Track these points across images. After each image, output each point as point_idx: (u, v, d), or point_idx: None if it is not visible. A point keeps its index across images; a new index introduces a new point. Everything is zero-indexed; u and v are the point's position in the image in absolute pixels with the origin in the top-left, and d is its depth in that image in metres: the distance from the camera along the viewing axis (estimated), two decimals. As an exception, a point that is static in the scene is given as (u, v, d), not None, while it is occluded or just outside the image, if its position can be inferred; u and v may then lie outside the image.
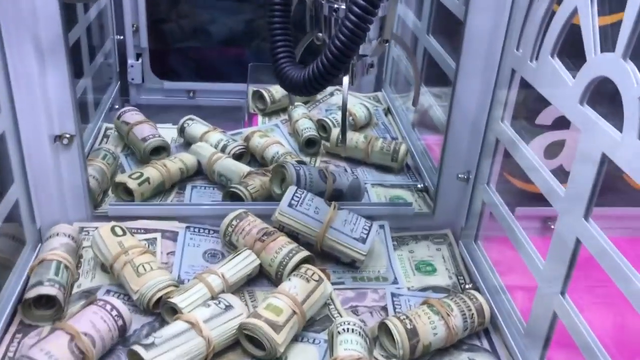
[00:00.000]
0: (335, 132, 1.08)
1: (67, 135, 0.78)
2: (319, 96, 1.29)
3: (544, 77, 0.61)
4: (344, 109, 0.70)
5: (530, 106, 0.82)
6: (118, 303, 0.67)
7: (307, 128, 1.09)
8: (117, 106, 1.23)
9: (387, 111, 1.27)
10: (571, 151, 0.86)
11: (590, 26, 0.52)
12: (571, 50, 0.58)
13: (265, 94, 1.21)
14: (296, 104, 1.19)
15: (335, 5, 0.65)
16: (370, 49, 0.68)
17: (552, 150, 0.85)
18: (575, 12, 0.55)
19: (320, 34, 0.68)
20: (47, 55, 0.72)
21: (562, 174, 0.87)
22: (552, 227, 0.91)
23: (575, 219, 0.55)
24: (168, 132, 1.09)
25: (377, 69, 1.38)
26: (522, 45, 0.66)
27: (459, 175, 0.83)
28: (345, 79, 0.69)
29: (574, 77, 0.56)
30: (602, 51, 0.51)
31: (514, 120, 0.73)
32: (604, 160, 0.51)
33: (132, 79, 1.29)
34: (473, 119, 0.79)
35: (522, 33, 0.66)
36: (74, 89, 0.76)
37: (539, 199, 0.92)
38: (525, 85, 0.69)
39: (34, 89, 0.72)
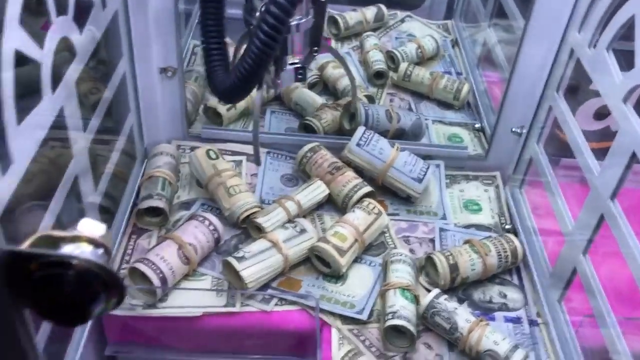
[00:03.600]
0: (404, 66, 1.16)
1: (171, 68, 0.90)
2: (390, 22, 1.35)
3: (597, 66, 0.68)
4: (255, 129, 0.78)
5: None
6: (214, 219, 0.82)
7: (376, 60, 1.18)
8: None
9: (455, 43, 1.32)
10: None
11: (643, 36, 0.59)
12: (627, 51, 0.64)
13: (340, 20, 1.28)
14: (368, 33, 1.27)
15: (253, 21, 0.69)
16: (302, 59, 0.74)
17: (602, 112, 0.92)
18: (632, 18, 0.61)
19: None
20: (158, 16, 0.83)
21: (608, 134, 0.95)
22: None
23: (602, 201, 0.65)
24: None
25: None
26: (583, 29, 0.73)
27: (513, 129, 0.92)
28: (255, 93, 0.74)
29: (623, 75, 0.63)
30: (650, 61, 0.59)
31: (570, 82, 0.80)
32: (633, 157, 0.60)
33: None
34: (532, 82, 0.86)
35: (586, 18, 0.72)
36: (179, 30, 0.86)
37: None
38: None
39: (149, 36, 0.83)
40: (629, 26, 0.62)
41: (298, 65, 0.75)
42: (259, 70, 0.65)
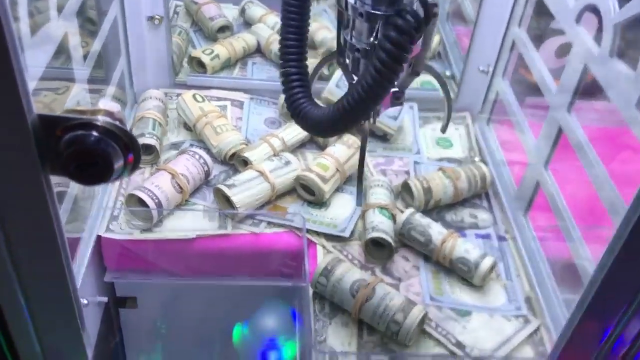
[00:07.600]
0: (377, 20, 1.22)
1: (158, 17, 0.94)
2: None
3: (554, -5, 0.75)
4: (362, 154, 0.69)
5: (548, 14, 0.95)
6: (204, 153, 0.88)
7: (352, 15, 1.23)
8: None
9: (425, 1, 1.38)
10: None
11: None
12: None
13: (315, -20, 1.33)
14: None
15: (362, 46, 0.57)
16: (400, 82, 0.60)
17: (562, 50, 0.99)
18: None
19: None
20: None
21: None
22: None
23: (560, 114, 0.72)
24: (230, 12, 1.24)
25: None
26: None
27: (480, 68, 0.99)
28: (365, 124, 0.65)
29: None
30: (597, -18, 0.65)
31: (534, 22, 0.87)
32: (585, 70, 0.67)
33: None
34: (497, 21, 0.93)
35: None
36: (166, -23, 0.91)
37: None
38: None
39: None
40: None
41: (396, 90, 0.60)
42: (376, 101, 0.53)
